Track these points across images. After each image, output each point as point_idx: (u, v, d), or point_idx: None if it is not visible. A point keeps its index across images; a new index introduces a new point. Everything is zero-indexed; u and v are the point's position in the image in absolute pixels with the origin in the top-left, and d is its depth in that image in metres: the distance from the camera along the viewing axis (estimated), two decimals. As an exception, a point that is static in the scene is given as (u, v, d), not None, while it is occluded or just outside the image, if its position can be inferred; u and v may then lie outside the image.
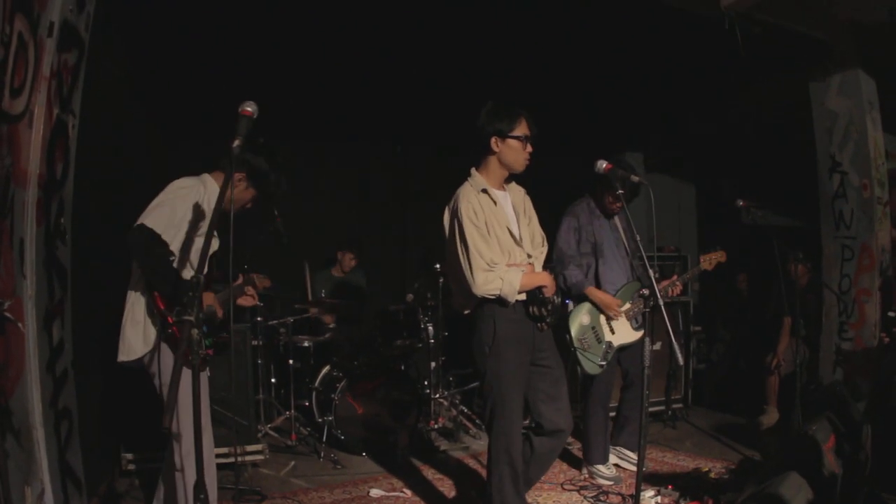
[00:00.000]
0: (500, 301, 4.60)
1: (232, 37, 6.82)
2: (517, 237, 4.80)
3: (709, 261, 6.49)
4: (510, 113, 4.71)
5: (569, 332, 6.20)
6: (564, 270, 6.26)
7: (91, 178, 4.76)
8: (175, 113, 7.58)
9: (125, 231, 4.01)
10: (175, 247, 4.10)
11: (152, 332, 4.10)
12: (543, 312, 4.70)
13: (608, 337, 6.27)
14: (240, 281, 4.91)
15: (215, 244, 4.28)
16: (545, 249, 5.13)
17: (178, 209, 4.09)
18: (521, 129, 4.68)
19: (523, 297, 4.70)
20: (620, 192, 4.77)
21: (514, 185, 5.00)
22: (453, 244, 4.71)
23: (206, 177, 4.40)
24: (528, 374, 4.75)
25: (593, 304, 6.30)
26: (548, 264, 5.36)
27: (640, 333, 6.37)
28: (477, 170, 4.85)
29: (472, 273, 4.54)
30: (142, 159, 6.94)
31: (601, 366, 6.21)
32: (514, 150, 4.70)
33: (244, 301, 4.88)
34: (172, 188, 4.18)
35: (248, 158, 4.29)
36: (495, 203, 4.75)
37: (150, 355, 4.08)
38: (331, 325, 8.63)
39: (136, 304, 4.16)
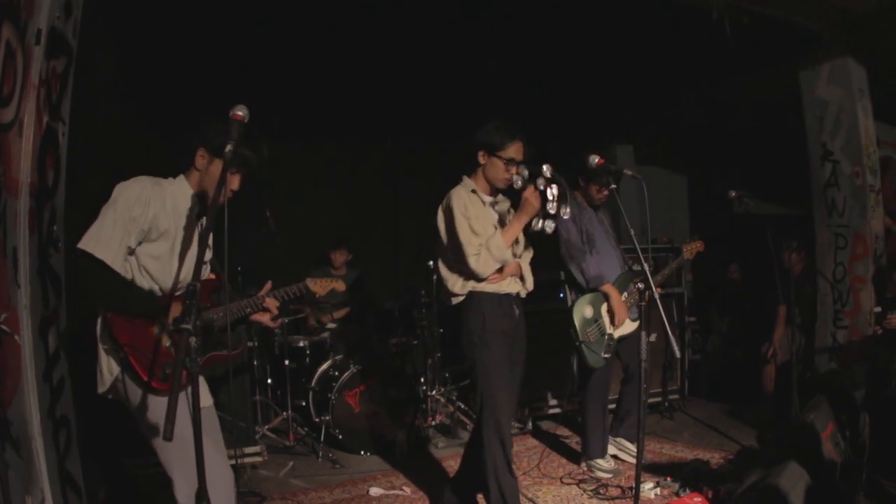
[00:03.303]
0: (486, 295, 4.94)
1: (221, 37, 6.81)
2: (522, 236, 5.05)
3: (689, 250, 6.67)
4: (505, 133, 4.87)
5: (573, 326, 6.17)
6: (581, 263, 6.24)
7: (83, 185, 4.72)
8: (168, 115, 7.54)
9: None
10: (133, 260, 3.55)
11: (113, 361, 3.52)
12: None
13: (609, 329, 6.25)
14: (266, 289, 4.09)
15: (207, 254, 3.87)
16: (531, 254, 5.32)
17: (121, 216, 3.44)
18: (510, 153, 4.86)
19: (512, 290, 5.07)
20: (614, 186, 4.76)
21: (501, 196, 5.20)
22: (448, 240, 5.00)
23: (170, 179, 3.80)
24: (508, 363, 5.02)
25: (598, 296, 6.29)
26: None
27: (636, 324, 6.37)
28: (469, 177, 5.10)
29: (468, 263, 4.83)
30: (135, 163, 6.90)
31: (605, 358, 6.21)
32: (496, 168, 4.90)
33: (261, 317, 4.11)
34: (114, 194, 3.54)
35: (200, 128, 3.69)
36: (484, 204, 5.04)
37: (119, 383, 3.51)
38: (328, 325, 8.60)
39: (101, 330, 3.55)
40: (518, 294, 5.19)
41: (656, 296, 4.29)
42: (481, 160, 4.96)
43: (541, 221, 4.73)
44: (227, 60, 7.21)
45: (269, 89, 7.72)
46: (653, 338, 7.67)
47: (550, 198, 4.63)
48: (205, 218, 3.70)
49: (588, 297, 6.25)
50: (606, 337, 6.21)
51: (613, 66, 8.53)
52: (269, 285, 4.08)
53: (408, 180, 10.14)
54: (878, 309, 7.43)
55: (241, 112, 3.14)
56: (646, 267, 4.32)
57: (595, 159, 4.65)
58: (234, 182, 3.68)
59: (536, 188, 4.67)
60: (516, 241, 5.09)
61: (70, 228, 4.35)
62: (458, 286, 5.02)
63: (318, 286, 4.47)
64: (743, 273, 10.20)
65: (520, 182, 4.74)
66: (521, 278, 5.18)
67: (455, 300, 5.08)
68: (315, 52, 7.55)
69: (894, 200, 8.28)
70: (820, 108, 7.84)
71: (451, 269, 5.07)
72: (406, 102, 8.98)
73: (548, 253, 6.41)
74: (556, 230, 4.94)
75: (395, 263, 10.56)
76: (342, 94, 8.60)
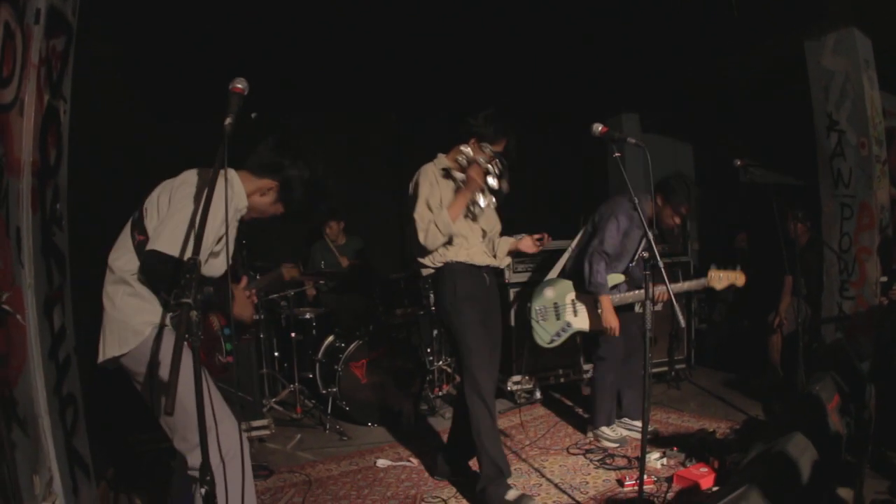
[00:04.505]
0: (458, 265, 5.23)
1: (223, 8, 6.76)
2: (472, 212, 5.32)
3: (719, 278, 6.26)
4: (500, 129, 5.23)
5: (531, 301, 6.40)
6: (596, 263, 6.21)
7: (86, 162, 4.72)
8: (169, 91, 7.52)
9: (122, 211, 3.91)
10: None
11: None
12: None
13: (569, 317, 6.42)
14: (242, 284, 4.13)
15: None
16: (498, 227, 5.64)
17: (190, 214, 3.50)
18: (499, 147, 5.20)
19: (482, 262, 5.34)
20: (617, 154, 4.76)
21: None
22: (411, 216, 5.26)
23: (233, 175, 3.89)
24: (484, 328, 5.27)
25: (567, 284, 6.51)
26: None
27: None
28: (445, 155, 5.40)
29: (417, 238, 5.16)
30: (137, 139, 6.89)
31: (552, 341, 6.41)
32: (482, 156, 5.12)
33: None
34: (185, 190, 3.61)
35: (286, 167, 3.93)
36: (455, 182, 5.29)
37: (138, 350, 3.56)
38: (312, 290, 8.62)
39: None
40: (489, 266, 5.44)
41: (660, 264, 4.30)
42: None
43: (481, 196, 5.11)
44: (227, 39, 7.16)
45: (273, 61, 7.68)
46: (658, 307, 7.71)
47: (491, 172, 5.05)
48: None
49: (560, 281, 6.42)
50: (562, 323, 6.40)
51: (619, 35, 8.47)
52: (244, 280, 4.21)
53: (411, 152, 10.08)
54: (885, 278, 7.41)
55: (240, 85, 3.14)
56: (650, 234, 4.33)
57: (598, 127, 4.63)
58: (270, 208, 4.08)
59: (480, 166, 5.04)
60: (476, 218, 5.37)
61: (73, 206, 4.37)
62: (429, 258, 5.29)
63: (287, 272, 5.35)
64: (750, 242, 10.17)
65: (464, 161, 5.10)
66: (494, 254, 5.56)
67: (425, 271, 5.38)
68: (319, 27, 7.50)
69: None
70: (825, 78, 7.78)
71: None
72: (410, 75, 8.94)
73: (558, 224, 6.42)
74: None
75: (399, 234, 10.54)
76: (347, 67, 8.56)
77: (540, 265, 8.09)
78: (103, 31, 5.64)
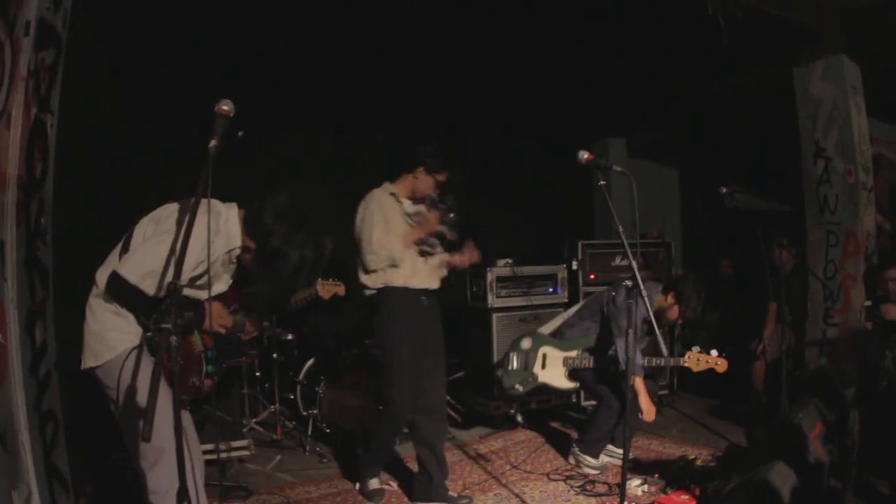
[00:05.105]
0: (395, 290, 5.52)
1: (214, 26, 6.75)
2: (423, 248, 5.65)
3: (697, 361, 6.10)
4: (445, 160, 5.63)
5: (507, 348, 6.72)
6: (635, 346, 6.11)
7: (72, 176, 4.69)
8: (158, 108, 7.50)
9: (107, 228, 3.95)
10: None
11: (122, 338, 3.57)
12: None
13: (537, 370, 6.60)
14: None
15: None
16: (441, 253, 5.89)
17: (169, 247, 3.45)
18: (442, 177, 5.63)
19: (420, 285, 5.62)
20: (603, 182, 4.76)
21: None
22: (359, 234, 5.59)
23: (233, 213, 3.82)
24: (418, 353, 5.58)
25: (545, 338, 6.76)
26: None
27: (570, 385, 6.68)
28: (391, 183, 5.77)
29: (364, 258, 5.52)
30: (124, 155, 6.86)
31: (513, 387, 6.69)
32: (427, 184, 5.64)
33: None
34: (169, 222, 3.59)
35: (273, 235, 3.67)
36: (400, 205, 5.68)
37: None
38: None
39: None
40: (427, 288, 5.69)
41: (643, 291, 4.32)
42: (417, 174, 5.63)
43: (429, 238, 5.58)
44: (219, 52, 7.15)
45: (262, 82, 7.67)
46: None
47: (446, 221, 5.50)
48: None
49: (539, 335, 6.78)
50: (528, 374, 6.61)
51: (605, 61, 8.48)
52: None
53: (398, 174, 10.07)
54: (869, 303, 7.42)
55: (226, 107, 3.13)
56: (633, 263, 4.33)
57: (584, 155, 4.64)
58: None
59: (440, 212, 5.53)
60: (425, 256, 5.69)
61: (57, 220, 4.34)
62: (370, 280, 5.59)
63: (325, 290, 5.47)
64: (735, 269, 10.18)
65: (424, 206, 5.67)
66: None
67: (368, 292, 5.66)
68: (309, 44, 7.50)
69: (886, 197, 8.28)
70: (813, 105, 7.83)
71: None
72: (401, 97, 8.94)
73: (541, 250, 6.42)
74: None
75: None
76: (337, 87, 8.55)
77: (525, 292, 8.07)
78: (93, 46, 5.62)
